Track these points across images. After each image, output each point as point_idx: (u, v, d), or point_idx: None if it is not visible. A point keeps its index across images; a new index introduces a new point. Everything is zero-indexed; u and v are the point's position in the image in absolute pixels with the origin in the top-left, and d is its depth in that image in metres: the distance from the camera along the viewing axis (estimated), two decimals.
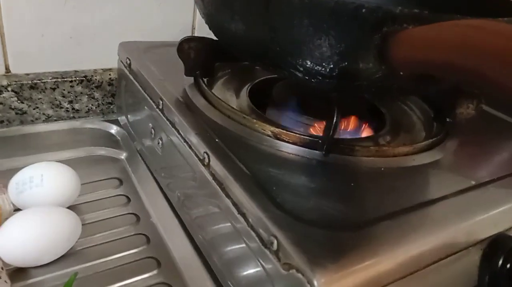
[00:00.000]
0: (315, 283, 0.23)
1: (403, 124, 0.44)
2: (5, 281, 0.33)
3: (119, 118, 0.53)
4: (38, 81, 0.51)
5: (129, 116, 0.49)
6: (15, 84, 0.49)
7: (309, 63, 0.31)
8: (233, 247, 0.31)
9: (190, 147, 0.35)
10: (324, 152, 0.33)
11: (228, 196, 0.30)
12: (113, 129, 0.54)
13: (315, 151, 0.34)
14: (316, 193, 0.31)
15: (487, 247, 0.32)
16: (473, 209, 0.32)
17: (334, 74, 0.31)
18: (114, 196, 0.45)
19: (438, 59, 0.24)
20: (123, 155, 0.51)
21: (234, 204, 0.30)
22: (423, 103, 0.47)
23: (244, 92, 0.45)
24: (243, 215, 0.29)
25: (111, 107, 0.57)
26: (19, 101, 0.50)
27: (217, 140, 0.34)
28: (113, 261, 0.38)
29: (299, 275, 0.24)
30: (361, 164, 0.34)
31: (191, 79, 0.42)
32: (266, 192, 0.29)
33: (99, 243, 0.40)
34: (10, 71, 0.50)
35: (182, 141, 0.36)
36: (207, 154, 0.32)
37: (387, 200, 0.31)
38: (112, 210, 0.43)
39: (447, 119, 0.41)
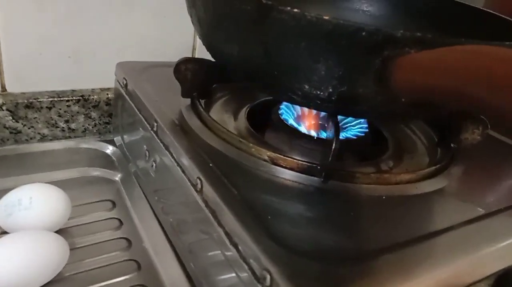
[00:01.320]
0: None
1: (406, 149, 0.43)
2: None
3: (115, 139, 0.52)
4: (34, 100, 0.50)
5: (125, 136, 0.48)
6: (10, 103, 0.48)
7: (306, 87, 0.30)
8: (224, 277, 0.29)
9: (183, 171, 0.34)
10: (322, 179, 0.32)
11: (220, 224, 0.29)
12: (109, 149, 0.53)
13: (313, 177, 0.33)
14: (313, 223, 0.29)
15: (495, 283, 0.30)
16: (479, 242, 0.30)
17: (333, 98, 0.30)
18: (106, 219, 0.44)
19: (441, 85, 0.22)
20: (117, 177, 0.50)
21: (226, 234, 0.28)
22: (427, 127, 0.46)
23: (243, 114, 0.43)
24: (235, 245, 0.27)
25: (108, 127, 0.56)
26: (13, 120, 0.49)
27: (211, 165, 0.32)
28: None
29: None
30: (361, 192, 0.33)
31: (188, 100, 0.41)
32: (260, 222, 0.27)
33: (88, 269, 0.38)
34: (6, 90, 0.50)
35: (176, 164, 0.35)
36: (200, 179, 0.31)
37: (388, 231, 0.29)
38: (103, 234, 0.42)
39: (452, 145, 0.40)
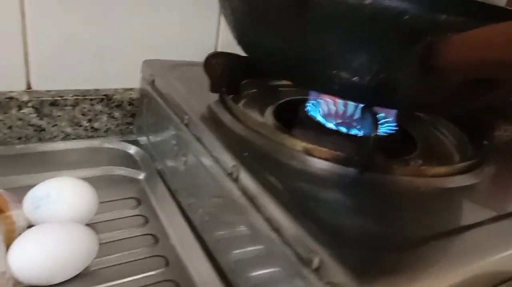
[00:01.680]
0: None
1: (435, 148, 0.42)
2: None
3: (139, 138, 0.51)
4: (58, 98, 0.50)
5: (150, 135, 0.48)
6: (35, 100, 0.49)
7: (345, 75, 0.30)
8: (263, 268, 0.29)
9: (217, 162, 0.33)
10: (360, 170, 0.32)
11: (259, 211, 0.28)
12: (132, 150, 0.53)
13: (349, 168, 0.32)
14: (354, 211, 0.29)
15: None
16: None
17: (372, 86, 0.30)
18: (132, 216, 0.43)
19: (493, 58, 0.22)
20: (141, 176, 0.50)
21: (267, 220, 0.28)
22: (455, 127, 0.45)
23: (269, 111, 0.43)
24: (277, 231, 0.27)
25: (130, 127, 0.55)
26: (38, 118, 0.49)
27: (246, 154, 0.32)
28: (130, 283, 0.36)
29: None
30: (397, 184, 0.32)
31: (215, 97, 0.41)
32: (303, 207, 0.27)
33: (115, 264, 0.37)
34: (31, 88, 0.50)
35: (208, 156, 0.34)
36: (236, 168, 0.31)
37: (428, 222, 0.29)
38: (129, 230, 0.41)
39: (484, 142, 0.40)
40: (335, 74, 0.30)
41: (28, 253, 0.33)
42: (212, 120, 0.37)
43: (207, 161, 0.35)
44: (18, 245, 0.34)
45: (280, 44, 0.32)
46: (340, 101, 0.45)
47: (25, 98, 0.48)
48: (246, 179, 0.30)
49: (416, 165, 0.33)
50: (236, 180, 0.31)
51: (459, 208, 0.32)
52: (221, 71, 0.39)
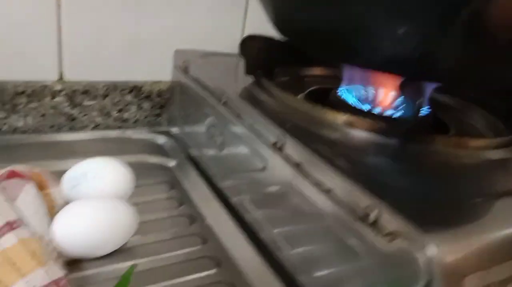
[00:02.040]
0: (429, 249, 0.21)
1: (467, 131, 0.42)
2: (61, 271, 0.31)
3: (170, 129, 0.52)
4: (90, 88, 0.51)
5: (182, 123, 0.48)
6: (68, 89, 0.49)
7: (388, 45, 0.31)
8: (314, 233, 0.29)
9: (258, 135, 0.34)
10: (403, 140, 0.32)
11: (308, 176, 0.28)
12: (161, 140, 0.53)
13: (391, 139, 0.32)
14: (401, 174, 0.29)
15: None
16: None
17: (416, 56, 0.30)
18: (166, 198, 0.44)
19: None
20: (172, 163, 0.50)
21: (316, 184, 0.28)
22: (486, 112, 0.45)
23: (301, 96, 0.44)
24: (329, 192, 0.27)
25: (158, 119, 0.56)
26: (70, 107, 0.50)
27: (289, 125, 0.32)
28: (170, 258, 0.36)
29: (407, 243, 0.22)
30: (439, 154, 0.32)
31: (251, 80, 0.42)
32: (353, 168, 0.27)
33: (153, 241, 0.38)
34: (63, 78, 0.51)
35: (249, 131, 0.35)
36: (281, 137, 0.31)
37: (472, 187, 0.29)
38: (164, 211, 0.42)
39: None
40: (378, 45, 0.31)
41: (70, 226, 0.33)
42: (250, 98, 0.37)
43: (247, 136, 0.35)
44: (60, 218, 0.34)
45: (321, 17, 0.33)
46: (371, 88, 0.45)
47: (58, 87, 0.49)
48: (291, 147, 0.30)
49: (457, 137, 0.33)
50: (281, 149, 0.31)
51: (500, 177, 0.32)
52: (256, 53, 0.40)
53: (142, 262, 0.35)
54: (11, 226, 0.30)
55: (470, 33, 0.28)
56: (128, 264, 0.34)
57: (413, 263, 0.21)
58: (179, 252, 0.36)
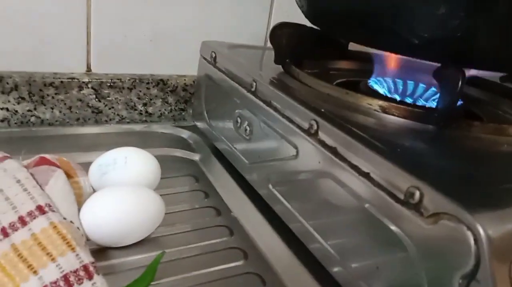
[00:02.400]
0: (480, 229, 0.20)
1: (501, 121, 0.41)
2: (90, 256, 0.30)
3: (197, 123, 0.51)
4: (117, 81, 0.51)
5: (209, 116, 0.48)
6: (95, 81, 0.49)
7: (426, 25, 0.30)
8: (350, 221, 0.28)
9: (291, 121, 0.33)
10: (441, 125, 0.31)
11: (343, 159, 0.28)
12: (185, 135, 0.53)
13: (428, 125, 0.31)
14: (440, 158, 0.28)
15: None
16: None
17: (456, 36, 0.29)
18: (192, 191, 0.43)
19: None
20: (196, 157, 0.49)
21: (353, 167, 0.27)
22: None
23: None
24: (367, 175, 0.26)
25: (183, 113, 0.56)
26: (97, 99, 0.50)
27: (322, 110, 0.31)
28: (197, 249, 0.35)
29: (454, 224, 0.21)
30: (479, 141, 0.31)
31: (279, 70, 0.41)
32: (390, 150, 0.26)
33: (180, 232, 0.37)
34: (90, 70, 0.51)
35: (281, 117, 0.34)
36: (315, 121, 0.30)
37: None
38: (190, 203, 0.41)
39: None
40: (417, 26, 0.30)
41: (97, 215, 0.33)
42: (280, 86, 0.37)
43: (279, 123, 0.34)
44: (88, 206, 0.33)
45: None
46: (400, 81, 0.44)
47: (86, 79, 0.49)
48: (326, 131, 0.29)
49: (497, 125, 0.32)
50: (316, 133, 0.30)
51: None
52: (286, 41, 0.39)
53: (169, 253, 0.34)
54: (42, 210, 0.30)
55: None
56: (154, 254, 0.33)
57: (461, 244, 0.20)
58: (205, 243, 0.36)
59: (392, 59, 0.47)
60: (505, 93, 0.45)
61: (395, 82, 0.44)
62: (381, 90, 0.42)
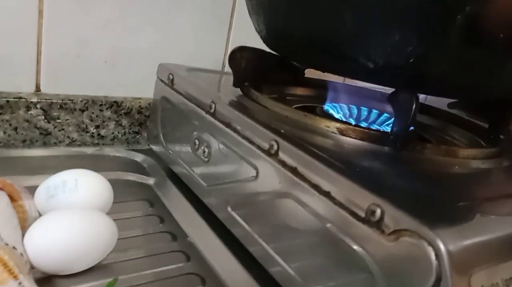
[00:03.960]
0: (441, 245, 0.20)
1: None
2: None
3: (152, 146, 0.50)
4: (68, 101, 0.49)
5: (165, 139, 0.47)
6: (44, 102, 0.47)
7: (381, 53, 0.31)
8: (311, 242, 0.28)
9: (251, 142, 0.33)
10: (397, 146, 0.31)
11: (304, 179, 0.27)
12: (139, 158, 0.52)
13: (384, 147, 0.32)
14: (397, 178, 0.28)
15: None
16: None
17: (409, 65, 0.31)
18: (146, 215, 0.41)
19: None
20: (151, 181, 0.48)
21: (314, 186, 0.27)
22: (467, 132, 0.46)
23: None
24: (327, 194, 0.26)
25: (137, 137, 0.54)
26: (45, 120, 0.48)
27: (282, 131, 0.31)
28: (151, 275, 0.33)
29: (415, 240, 0.21)
30: (431, 162, 0.32)
31: (238, 93, 0.41)
32: (350, 169, 0.26)
33: (133, 258, 0.35)
34: (40, 90, 0.49)
35: (240, 138, 0.34)
36: (275, 141, 0.30)
37: (466, 191, 0.29)
38: (144, 228, 0.39)
39: (501, 136, 0.40)
40: (370, 54, 0.31)
41: (43, 239, 0.31)
42: (239, 107, 0.36)
43: (238, 145, 0.34)
44: (34, 230, 0.31)
45: (313, 28, 0.33)
46: (354, 107, 0.46)
47: (34, 99, 0.47)
48: (286, 151, 0.29)
49: (449, 147, 0.34)
50: (276, 154, 0.30)
51: (493, 182, 0.32)
52: (245, 65, 0.40)
53: (122, 280, 0.32)
54: None
55: (465, 39, 0.28)
56: (106, 281, 0.31)
57: (422, 260, 0.20)
58: (160, 269, 0.34)
59: (345, 87, 0.49)
60: (452, 120, 0.47)
61: (349, 108, 0.46)
62: (337, 115, 0.43)
